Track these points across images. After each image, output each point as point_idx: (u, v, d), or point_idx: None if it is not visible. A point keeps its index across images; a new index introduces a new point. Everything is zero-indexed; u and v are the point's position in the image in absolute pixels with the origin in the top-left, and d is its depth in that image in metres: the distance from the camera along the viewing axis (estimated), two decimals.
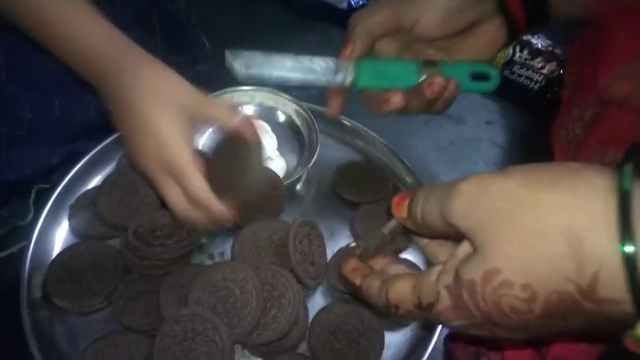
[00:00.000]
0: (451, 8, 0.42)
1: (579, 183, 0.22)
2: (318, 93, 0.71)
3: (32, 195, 0.57)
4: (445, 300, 0.26)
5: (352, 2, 0.96)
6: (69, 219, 0.54)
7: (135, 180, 0.54)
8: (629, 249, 0.20)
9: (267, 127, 0.62)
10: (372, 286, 0.31)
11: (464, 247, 0.26)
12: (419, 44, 0.45)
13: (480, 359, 0.44)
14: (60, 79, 0.54)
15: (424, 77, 0.43)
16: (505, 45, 0.46)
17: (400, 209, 0.31)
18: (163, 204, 0.53)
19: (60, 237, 0.54)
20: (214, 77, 0.67)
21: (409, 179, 0.59)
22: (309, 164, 0.57)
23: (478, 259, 0.24)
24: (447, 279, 0.26)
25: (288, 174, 0.58)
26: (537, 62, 0.72)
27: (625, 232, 0.20)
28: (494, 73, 0.45)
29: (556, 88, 0.72)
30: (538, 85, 0.73)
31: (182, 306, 0.45)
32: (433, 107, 0.45)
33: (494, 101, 0.72)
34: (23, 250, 0.51)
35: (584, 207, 0.22)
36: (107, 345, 0.45)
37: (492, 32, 0.44)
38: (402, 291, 0.28)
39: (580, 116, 0.52)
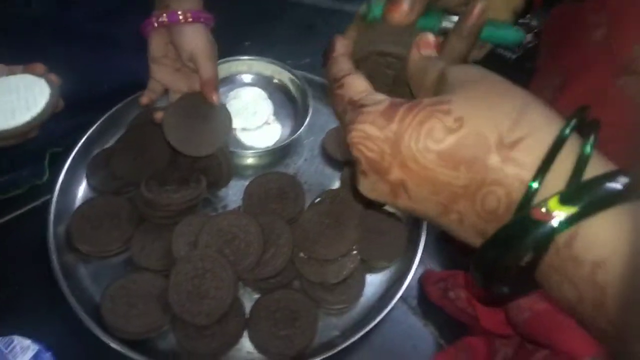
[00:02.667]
0: None
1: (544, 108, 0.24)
2: (311, 62, 0.77)
3: (47, 158, 0.63)
4: (379, 107, 0.25)
5: None
6: (87, 176, 0.61)
7: (146, 141, 0.60)
8: (534, 184, 0.22)
9: (264, 93, 0.68)
10: (340, 64, 0.30)
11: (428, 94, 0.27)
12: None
13: (448, 294, 0.52)
14: (74, 59, 0.59)
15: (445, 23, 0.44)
16: (525, 10, 0.46)
17: (429, 48, 0.30)
18: (171, 162, 0.59)
19: (80, 191, 0.60)
20: None
21: None
22: (301, 127, 0.63)
23: (438, 91, 0.26)
24: (400, 101, 0.25)
25: (283, 137, 0.65)
26: None
27: (539, 173, 0.22)
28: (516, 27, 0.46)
29: (532, 58, 0.77)
30: (515, 55, 0.78)
31: (192, 249, 0.52)
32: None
33: None
34: (47, 204, 0.57)
35: (539, 109, 0.23)
36: (127, 282, 0.52)
37: None
38: (356, 83, 0.28)
39: (551, 83, 0.58)
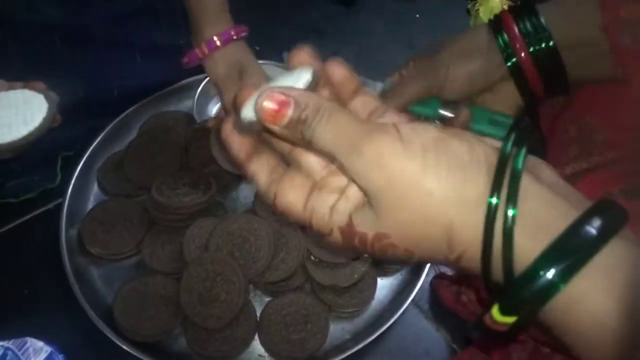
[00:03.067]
0: (472, 74, 0.46)
1: (465, 173, 0.24)
2: None
3: (59, 162, 0.64)
4: (337, 236, 0.27)
5: None
6: (98, 179, 0.61)
7: (157, 145, 0.60)
8: (493, 200, 0.23)
9: None
10: (260, 175, 0.28)
11: (354, 191, 0.26)
12: None
13: (461, 297, 0.51)
14: (83, 63, 0.60)
15: (441, 110, 0.48)
16: (530, 108, 0.49)
17: (280, 117, 0.25)
18: (182, 166, 0.60)
19: (91, 195, 0.61)
20: None
21: None
22: None
23: (372, 218, 0.26)
24: (340, 220, 0.26)
25: None
26: None
27: (494, 190, 0.23)
28: (509, 122, 0.48)
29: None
30: None
31: (202, 252, 0.52)
32: None
33: None
34: (58, 207, 0.58)
35: (462, 201, 0.24)
36: (139, 285, 0.52)
37: (511, 91, 0.47)
38: (292, 204, 0.27)
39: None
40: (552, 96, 0.50)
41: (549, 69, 0.45)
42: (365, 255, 0.31)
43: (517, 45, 0.44)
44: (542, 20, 0.44)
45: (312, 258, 0.53)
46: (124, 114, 0.65)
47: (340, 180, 0.27)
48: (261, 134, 0.28)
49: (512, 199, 0.23)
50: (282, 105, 0.26)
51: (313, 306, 0.51)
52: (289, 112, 0.26)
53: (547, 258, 0.22)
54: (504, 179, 0.23)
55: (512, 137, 0.24)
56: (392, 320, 0.50)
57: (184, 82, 0.68)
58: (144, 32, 0.65)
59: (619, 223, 0.23)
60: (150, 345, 0.49)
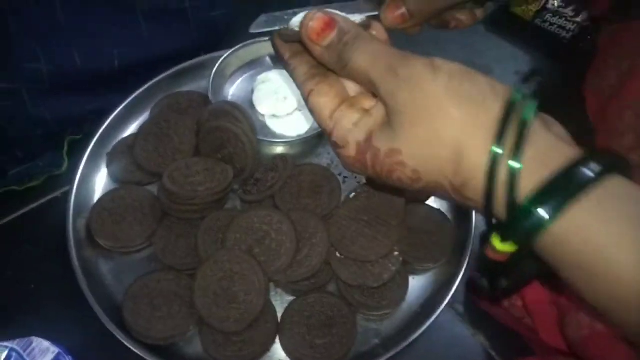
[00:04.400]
0: None
1: (483, 104, 0.26)
2: None
3: (65, 146, 0.60)
4: (351, 151, 0.29)
5: None
6: (108, 166, 0.57)
7: (170, 129, 0.56)
8: (496, 149, 0.25)
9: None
10: (300, 72, 0.31)
11: (380, 110, 0.29)
12: None
13: (502, 301, 0.47)
14: (76, 29, 0.54)
15: None
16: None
17: (322, 36, 0.29)
18: (197, 152, 0.55)
19: (100, 182, 0.56)
20: (233, 21, 0.67)
21: None
22: None
23: (389, 135, 0.28)
24: (359, 135, 0.29)
25: (316, 124, 0.59)
26: (570, 10, 0.70)
27: (499, 138, 0.25)
28: None
29: (589, 37, 0.70)
30: (570, 34, 0.71)
31: (219, 248, 0.48)
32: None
33: (524, 51, 0.71)
34: (66, 195, 0.54)
35: (474, 128, 0.25)
36: (150, 281, 0.48)
37: None
38: (321, 107, 0.30)
39: (616, 65, 0.52)
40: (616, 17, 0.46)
41: None
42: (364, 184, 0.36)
43: None
44: None
45: (338, 255, 0.48)
46: (134, 95, 0.60)
47: (369, 102, 0.30)
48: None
49: (518, 150, 0.24)
50: (327, 25, 0.29)
51: (339, 308, 0.47)
52: (333, 34, 0.29)
53: (542, 193, 0.24)
54: (509, 127, 0.25)
55: (524, 88, 0.25)
56: (426, 325, 0.45)
57: (198, 60, 0.63)
58: None
59: (618, 170, 0.24)
60: (163, 349, 0.46)
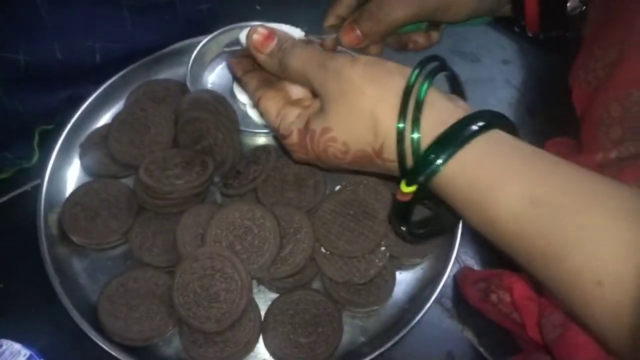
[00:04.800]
0: None
1: (389, 82, 0.33)
2: (331, 29, 0.68)
3: (36, 137, 0.57)
4: (294, 138, 0.36)
5: None
6: (80, 158, 0.54)
7: (147, 119, 0.53)
8: (400, 125, 0.32)
9: None
10: (250, 84, 0.40)
11: (315, 103, 0.36)
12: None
13: (490, 296, 0.46)
14: (59, 22, 0.52)
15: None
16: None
17: (265, 45, 0.38)
18: (175, 143, 0.53)
19: (73, 175, 0.54)
20: (221, 13, 0.65)
21: None
22: None
23: (321, 117, 0.35)
24: (300, 123, 0.36)
25: None
26: None
27: (401, 117, 0.32)
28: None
29: (577, 27, 0.69)
30: None
31: (199, 244, 0.45)
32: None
33: (511, 40, 0.70)
34: (36, 189, 0.51)
35: (384, 98, 0.33)
36: (126, 280, 0.46)
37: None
38: (269, 109, 0.38)
39: (603, 56, 0.51)
40: (549, 33, 0.50)
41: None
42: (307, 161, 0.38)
43: None
44: None
45: (323, 250, 0.47)
46: (108, 82, 0.57)
47: (307, 101, 0.39)
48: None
49: (416, 124, 0.31)
50: (268, 37, 0.38)
51: (324, 305, 0.45)
52: (273, 43, 0.38)
53: (436, 144, 0.30)
54: (409, 105, 0.32)
55: (418, 69, 0.33)
56: (414, 321, 0.44)
57: (176, 46, 0.60)
58: None
59: (502, 127, 0.31)
60: (141, 349, 0.44)
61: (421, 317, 0.45)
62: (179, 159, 0.49)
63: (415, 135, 0.31)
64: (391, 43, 0.50)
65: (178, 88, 0.57)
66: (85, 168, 0.54)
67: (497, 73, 0.67)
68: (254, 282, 0.47)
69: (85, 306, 0.45)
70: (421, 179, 0.30)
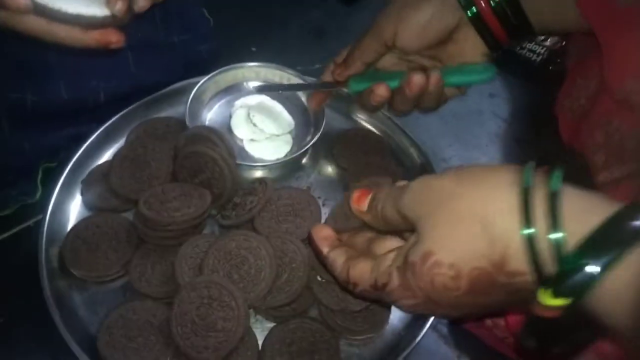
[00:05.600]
0: (424, 18, 0.45)
1: (491, 179, 0.28)
2: (323, 68, 0.72)
3: (39, 174, 0.58)
4: (395, 280, 0.30)
5: None
6: (82, 193, 0.55)
7: (147, 155, 0.55)
8: (528, 231, 0.25)
9: (273, 102, 0.63)
10: (338, 260, 0.35)
11: (413, 237, 0.31)
12: (413, 56, 0.48)
13: (485, 321, 0.46)
14: (65, 65, 0.55)
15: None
16: (496, 50, 0.48)
17: (361, 203, 0.36)
18: (174, 177, 0.54)
19: (74, 210, 0.55)
20: (219, 54, 0.68)
21: (412, 151, 0.60)
22: (314, 137, 0.58)
23: (419, 243, 0.29)
24: (399, 261, 0.31)
25: (294, 147, 0.60)
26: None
27: (526, 218, 0.25)
28: (485, 66, 0.47)
29: (558, 60, 0.72)
30: (540, 57, 0.73)
31: (197, 274, 0.46)
32: (422, 104, 0.47)
33: (497, 74, 0.73)
34: (38, 224, 0.52)
35: (493, 197, 0.27)
36: (126, 312, 0.46)
37: (472, 36, 0.46)
38: (362, 271, 0.33)
39: (585, 86, 0.53)
40: (519, 42, 0.49)
41: (510, 17, 0.45)
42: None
43: None
44: None
45: (319, 279, 0.47)
46: (110, 122, 0.59)
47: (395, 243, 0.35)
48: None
49: (555, 221, 0.24)
50: (362, 196, 0.36)
51: (321, 333, 0.46)
52: (367, 200, 0.36)
53: (589, 245, 0.23)
54: (533, 202, 0.25)
55: (531, 166, 0.27)
56: (410, 348, 0.44)
57: (175, 85, 0.63)
58: (136, 27, 0.59)
59: None
60: None
61: (417, 344, 0.45)
62: (178, 192, 0.51)
63: (556, 236, 0.24)
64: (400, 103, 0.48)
65: (177, 125, 0.60)
66: (86, 203, 0.55)
67: (485, 106, 0.70)
68: (251, 312, 0.47)
69: (85, 338, 0.45)
70: (573, 288, 0.23)
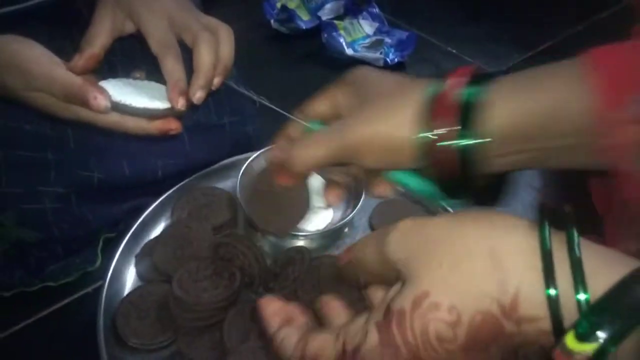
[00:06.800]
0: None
1: (499, 221, 0.25)
2: None
3: (100, 244, 0.63)
4: (373, 338, 0.25)
5: (388, 60, 1.03)
6: (135, 266, 0.59)
7: (190, 234, 0.59)
8: (552, 292, 0.22)
9: (315, 175, 0.67)
10: (289, 339, 0.30)
11: (396, 287, 0.27)
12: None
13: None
14: (129, 147, 0.61)
15: None
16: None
17: (345, 256, 0.33)
18: (212, 258, 0.56)
19: (130, 278, 0.59)
20: (263, 134, 0.74)
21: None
22: (354, 209, 0.61)
23: (408, 288, 0.25)
24: (378, 316, 0.26)
25: (335, 217, 0.63)
26: None
27: (549, 278, 0.22)
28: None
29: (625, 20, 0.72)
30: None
31: (245, 339, 0.48)
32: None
33: None
34: (97, 290, 0.56)
35: (504, 237, 0.24)
36: None
37: None
38: (324, 342, 0.28)
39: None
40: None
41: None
42: None
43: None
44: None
45: None
46: (165, 195, 0.64)
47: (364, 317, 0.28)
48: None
49: (581, 283, 0.22)
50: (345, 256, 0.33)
51: None
52: (346, 257, 0.32)
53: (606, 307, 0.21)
54: (553, 266, 0.23)
55: (547, 225, 0.24)
56: None
57: (224, 162, 0.68)
58: (191, 112, 0.66)
59: None
60: None
61: None
62: (210, 271, 0.53)
63: (583, 297, 0.22)
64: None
65: (226, 201, 0.64)
66: (138, 275, 0.59)
67: (519, 177, 0.72)
68: None
69: None
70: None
